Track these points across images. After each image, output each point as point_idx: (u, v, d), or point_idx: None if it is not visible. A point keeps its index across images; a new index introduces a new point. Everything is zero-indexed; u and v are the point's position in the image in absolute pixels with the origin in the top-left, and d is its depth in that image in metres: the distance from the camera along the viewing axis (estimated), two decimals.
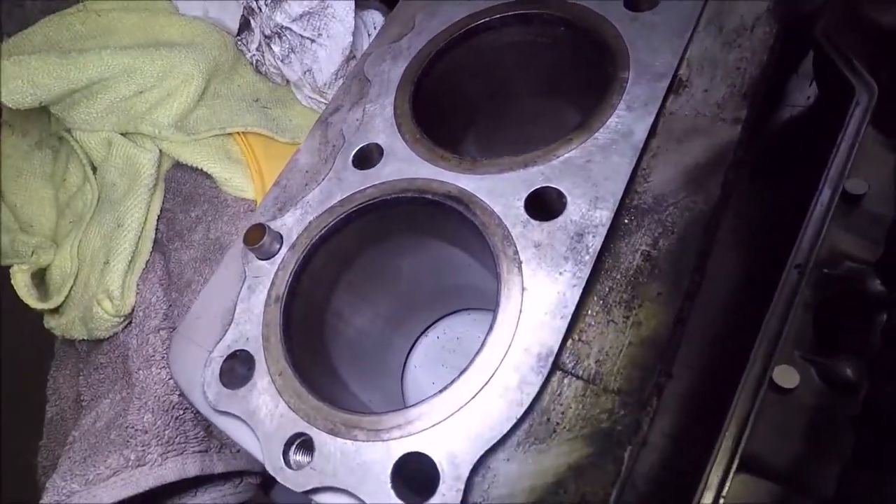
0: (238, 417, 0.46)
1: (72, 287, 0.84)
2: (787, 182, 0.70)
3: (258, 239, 0.52)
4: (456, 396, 0.40)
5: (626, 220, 0.44)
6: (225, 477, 0.66)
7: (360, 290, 0.63)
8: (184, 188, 0.91)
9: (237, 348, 0.49)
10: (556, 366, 0.40)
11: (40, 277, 0.90)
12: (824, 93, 0.71)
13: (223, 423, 0.47)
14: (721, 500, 0.45)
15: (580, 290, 0.41)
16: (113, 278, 0.79)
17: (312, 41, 0.85)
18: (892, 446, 0.41)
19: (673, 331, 0.39)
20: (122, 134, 0.89)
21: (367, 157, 0.56)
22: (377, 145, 0.56)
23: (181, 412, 0.62)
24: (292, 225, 0.54)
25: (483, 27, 0.62)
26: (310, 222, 0.54)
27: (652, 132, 0.47)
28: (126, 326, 0.78)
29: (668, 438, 0.58)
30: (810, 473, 0.50)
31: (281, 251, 0.53)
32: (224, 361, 0.49)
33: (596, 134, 0.48)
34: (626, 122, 0.48)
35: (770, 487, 0.52)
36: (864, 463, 0.42)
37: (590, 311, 0.41)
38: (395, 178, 0.53)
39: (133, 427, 0.60)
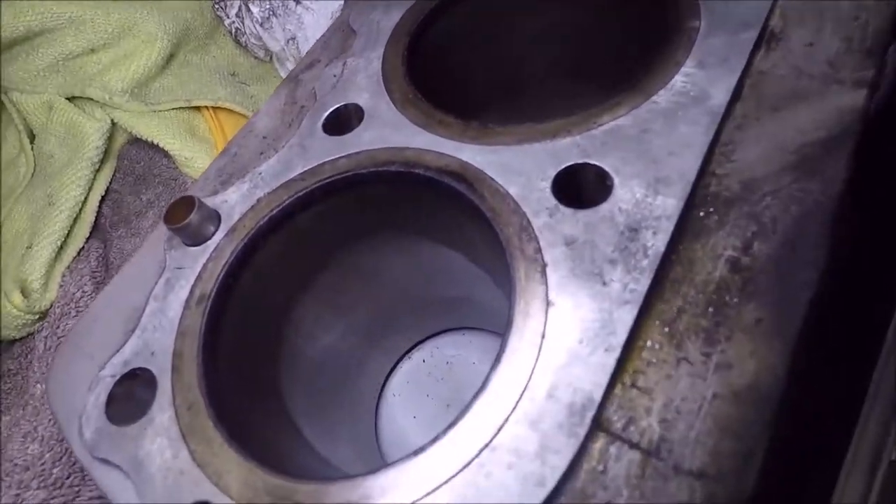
0: (118, 468, 0.31)
1: None
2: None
3: (183, 216, 0.38)
4: (440, 462, 0.26)
5: (701, 213, 0.31)
6: None
7: (327, 295, 0.49)
8: (137, 167, 0.77)
9: (137, 365, 0.35)
10: (599, 425, 0.26)
11: None
12: None
13: (99, 474, 0.32)
14: None
15: (636, 310, 0.28)
16: (34, 266, 0.65)
17: (297, 2, 0.72)
18: None
19: (787, 379, 0.25)
20: (67, 99, 0.75)
21: (342, 121, 0.43)
22: (357, 106, 0.43)
23: None
24: (235, 202, 0.41)
25: None
26: (259, 199, 0.40)
27: (736, 96, 0.34)
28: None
29: None
30: None
31: (216, 235, 0.39)
32: (116, 384, 0.35)
33: (655, 97, 0.35)
34: (697, 82, 0.35)
35: None
36: None
37: (650, 343, 0.27)
38: (378, 146, 0.40)
39: (12, 461, 0.46)
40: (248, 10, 0.77)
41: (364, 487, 0.27)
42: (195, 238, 0.39)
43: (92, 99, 0.74)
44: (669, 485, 0.24)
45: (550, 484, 0.24)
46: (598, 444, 0.25)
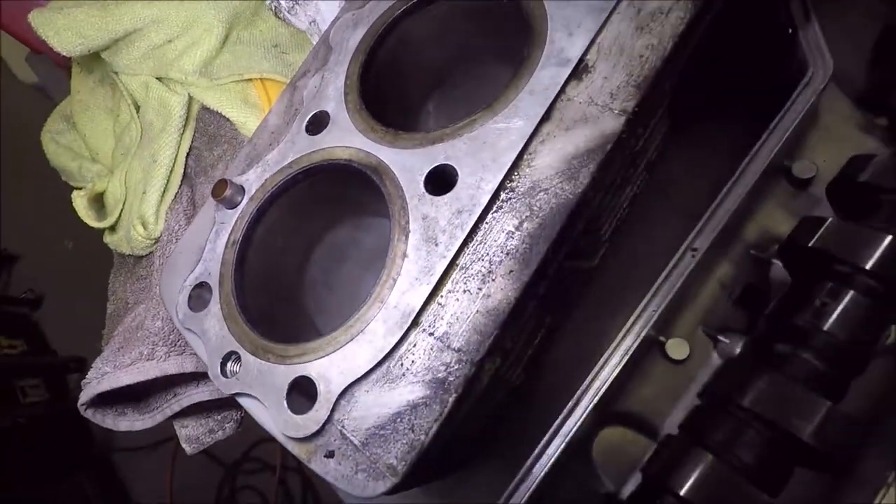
0: (195, 333, 0.59)
1: (121, 210, 1.02)
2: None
3: (221, 192, 0.62)
4: (340, 338, 0.50)
5: (503, 202, 0.49)
6: None
7: (324, 239, 0.73)
8: (209, 129, 1.03)
9: (202, 280, 0.62)
10: (416, 323, 0.48)
11: (101, 200, 1.09)
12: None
13: (188, 336, 0.60)
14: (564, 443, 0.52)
15: (447, 262, 0.48)
16: (148, 206, 0.95)
17: None
18: (703, 422, 0.46)
19: (515, 305, 0.46)
20: (157, 78, 1.01)
21: (317, 124, 0.63)
22: (326, 113, 0.63)
23: None
24: (253, 180, 0.64)
25: None
26: (266, 179, 0.63)
27: (545, 117, 0.50)
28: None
29: None
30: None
31: (242, 203, 0.64)
32: (192, 289, 0.62)
33: (497, 116, 0.52)
34: (525, 106, 0.51)
35: (641, 441, 0.58)
36: (685, 431, 0.48)
37: (452, 280, 0.48)
38: (335, 145, 0.61)
39: (149, 330, 0.77)
40: None
41: (305, 348, 0.51)
42: (230, 204, 0.64)
43: (174, 79, 0.99)
44: (444, 354, 0.46)
45: (386, 350, 0.47)
46: (414, 332, 0.48)
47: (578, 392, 0.54)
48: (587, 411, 0.53)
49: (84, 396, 0.76)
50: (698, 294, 0.61)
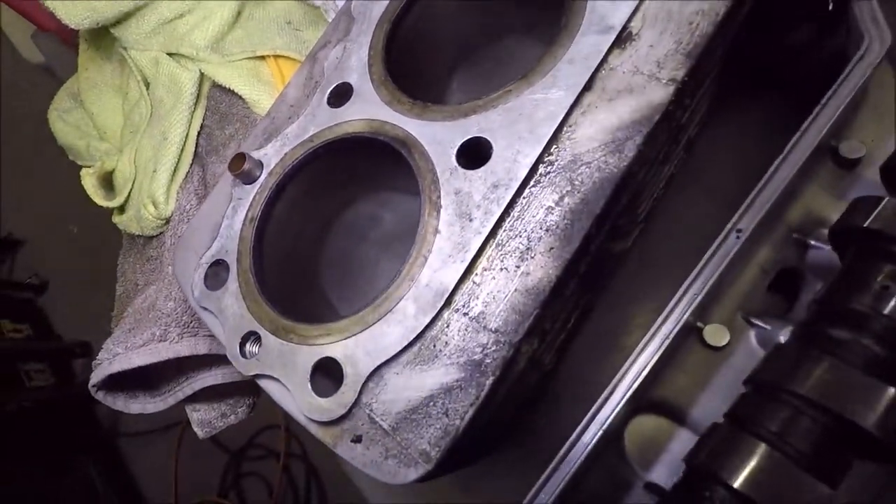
0: (212, 313, 0.56)
1: (131, 190, 0.99)
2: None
3: (239, 166, 0.60)
4: (368, 317, 0.48)
5: (542, 175, 0.47)
6: None
7: (343, 216, 0.70)
8: (221, 107, 1.00)
9: (219, 258, 0.59)
10: (449, 302, 0.45)
11: (110, 179, 1.06)
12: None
13: (204, 316, 0.58)
14: (600, 431, 0.50)
15: (482, 239, 0.46)
16: (158, 185, 0.92)
17: None
18: (752, 410, 0.44)
19: (556, 283, 0.43)
20: (168, 54, 0.98)
21: (340, 96, 0.61)
22: (349, 84, 0.60)
23: None
24: (272, 155, 0.61)
25: None
26: (285, 153, 0.61)
27: (587, 87, 0.47)
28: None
29: None
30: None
31: (261, 178, 0.61)
32: (209, 268, 0.59)
33: (534, 86, 0.49)
34: (565, 76, 0.48)
35: (675, 429, 0.56)
36: (732, 420, 0.45)
37: (487, 257, 0.46)
38: (358, 118, 0.58)
39: (161, 311, 0.75)
40: None
41: (329, 328, 0.49)
42: (248, 180, 0.61)
43: (184, 55, 0.96)
44: (480, 335, 0.44)
45: (418, 331, 0.45)
46: (447, 312, 0.45)
47: (615, 379, 0.51)
48: (624, 399, 0.51)
49: (95, 377, 0.73)
50: (739, 278, 0.58)
